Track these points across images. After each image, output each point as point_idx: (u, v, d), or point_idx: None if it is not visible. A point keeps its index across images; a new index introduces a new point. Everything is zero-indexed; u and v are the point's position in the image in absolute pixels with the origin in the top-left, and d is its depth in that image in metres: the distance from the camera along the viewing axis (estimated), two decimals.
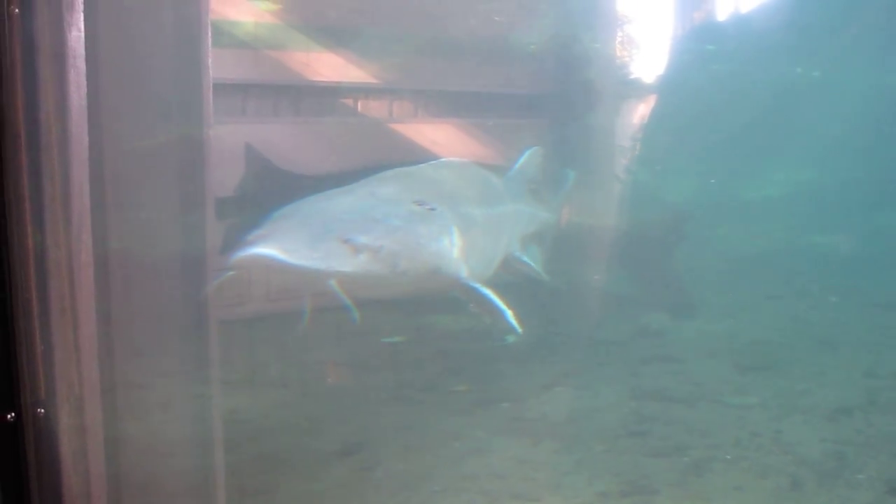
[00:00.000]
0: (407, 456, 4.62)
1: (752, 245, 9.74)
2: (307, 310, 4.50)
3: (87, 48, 2.39)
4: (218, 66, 5.10)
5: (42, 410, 2.13)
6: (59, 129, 2.21)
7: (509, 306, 4.17)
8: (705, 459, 4.59)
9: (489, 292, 4.24)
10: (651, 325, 7.13)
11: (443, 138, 7.05)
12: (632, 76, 9.62)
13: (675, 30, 9.94)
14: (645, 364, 6.29)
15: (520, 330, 4.21)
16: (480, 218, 4.65)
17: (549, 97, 7.80)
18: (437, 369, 6.00)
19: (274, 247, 3.57)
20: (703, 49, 10.15)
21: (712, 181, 9.85)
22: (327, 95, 6.68)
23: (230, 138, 5.86)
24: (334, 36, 6.63)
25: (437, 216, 4.19)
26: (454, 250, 4.19)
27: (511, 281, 6.80)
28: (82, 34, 2.30)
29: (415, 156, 6.59)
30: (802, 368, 6.25)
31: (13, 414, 2.07)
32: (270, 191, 5.91)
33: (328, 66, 6.59)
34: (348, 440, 4.79)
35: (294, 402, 5.44)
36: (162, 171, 4.29)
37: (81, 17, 2.30)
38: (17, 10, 2.11)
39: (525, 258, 5.26)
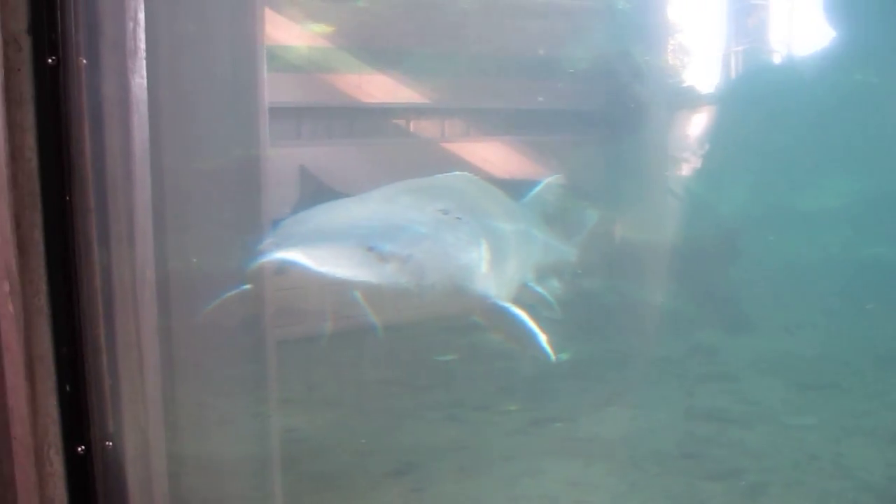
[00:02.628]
0: (459, 477, 4.65)
1: (809, 257, 9.54)
2: (328, 329, 3.97)
3: (148, 90, 2.49)
4: (273, 90, 5.25)
5: (110, 443, 2.22)
6: (124, 172, 2.31)
7: (542, 329, 3.75)
8: (762, 483, 4.52)
9: (521, 313, 3.77)
10: (705, 342, 7.05)
11: (493, 156, 7.09)
12: (685, 87, 9.55)
13: (727, 37, 9.84)
14: (699, 383, 6.22)
15: (553, 356, 3.75)
16: (505, 233, 4.24)
17: (601, 113, 7.80)
18: (489, 388, 6.02)
19: (294, 252, 3.13)
20: (758, 58, 10.01)
21: (767, 192, 9.69)
22: (380, 116, 6.79)
23: (286, 160, 5.99)
24: (385, 58, 6.74)
25: (465, 226, 3.75)
26: (483, 264, 3.73)
27: (564, 297, 6.84)
28: (145, 80, 2.40)
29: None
30: (864, 387, 6.12)
31: (83, 447, 2.16)
32: None
33: (380, 88, 6.70)
34: (402, 460, 4.84)
35: (349, 421, 5.52)
36: (220, 196, 4.42)
37: (144, 64, 2.39)
38: (84, 61, 2.21)
39: (538, 289, 4.62)
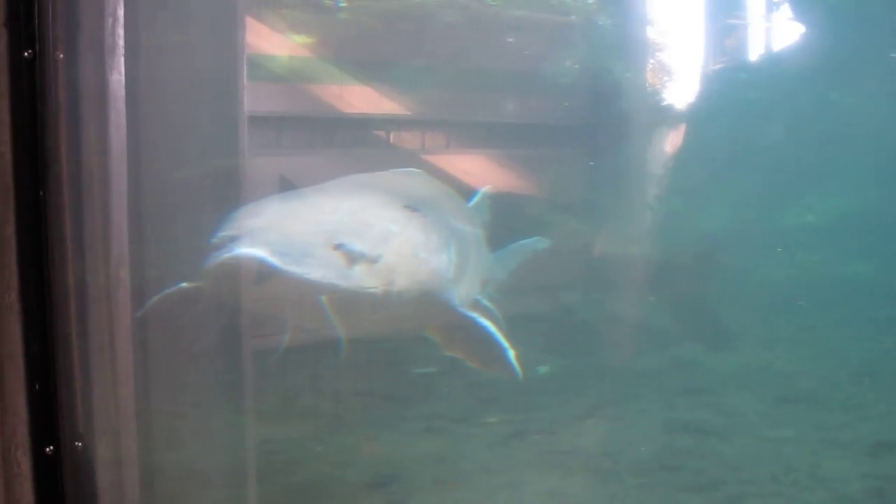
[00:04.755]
0: (438, 489, 4.61)
1: (788, 274, 9.61)
2: (284, 342, 3.41)
3: (126, 88, 2.47)
4: (253, 99, 5.23)
5: (80, 444, 2.17)
6: (100, 169, 2.28)
7: (511, 343, 3.32)
8: (740, 495, 4.52)
9: (491, 326, 3.32)
10: (685, 356, 7.06)
11: (474, 169, 7.10)
12: (664, 104, 9.61)
13: (707, 57, 9.93)
14: (678, 396, 6.23)
15: (521, 374, 3.30)
16: (467, 236, 3.78)
17: (582, 128, 7.84)
18: (469, 401, 5.98)
19: (261, 247, 2.71)
20: (736, 76, 10.11)
21: (746, 208, 9.76)
22: (360, 127, 6.78)
23: (265, 169, 5.95)
24: (367, 69, 6.74)
25: (435, 225, 3.31)
26: (451, 270, 3.29)
27: (539, 312, 6.83)
28: (123, 77, 2.38)
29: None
30: (841, 401, 6.15)
31: (52, 447, 2.12)
32: None
33: (361, 99, 6.70)
34: (380, 472, 4.80)
35: (326, 432, 5.46)
36: (199, 203, 4.39)
37: (122, 61, 2.38)
38: (61, 56, 2.18)
39: (485, 302, 3.88)
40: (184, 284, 3.23)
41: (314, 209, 3.09)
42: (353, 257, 2.86)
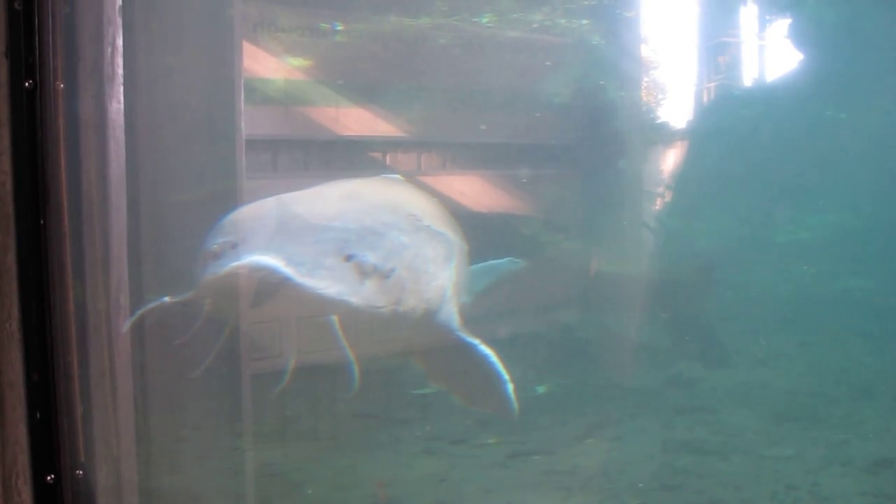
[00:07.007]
0: None
1: (785, 290, 9.62)
2: (289, 367, 2.83)
3: (125, 117, 2.49)
4: (250, 122, 5.26)
5: (80, 472, 2.17)
6: (100, 197, 2.30)
7: (511, 376, 2.97)
8: None
9: (490, 353, 2.94)
10: (683, 375, 7.05)
11: (470, 190, 7.12)
12: (659, 122, 9.67)
13: (701, 75, 10.00)
14: (677, 414, 6.21)
15: (516, 408, 3.03)
16: (463, 250, 3.36)
17: (577, 147, 7.87)
18: (467, 421, 5.97)
19: (271, 255, 2.34)
20: (731, 94, 10.18)
21: (741, 225, 9.78)
22: (356, 149, 6.80)
23: (262, 193, 5.97)
24: (363, 91, 6.77)
25: (441, 237, 2.97)
26: (451, 288, 2.93)
27: (537, 331, 6.84)
28: (122, 105, 2.40)
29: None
30: (840, 418, 6.14)
31: (52, 476, 2.12)
32: None
33: (357, 121, 6.72)
34: (379, 494, 4.78)
35: (325, 454, 5.44)
36: (197, 228, 4.40)
37: (121, 90, 2.40)
38: (61, 85, 2.20)
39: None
40: (166, 299, 2.86)
41: (318, 213, 2.66)
42: (364, 270, 2.50)
